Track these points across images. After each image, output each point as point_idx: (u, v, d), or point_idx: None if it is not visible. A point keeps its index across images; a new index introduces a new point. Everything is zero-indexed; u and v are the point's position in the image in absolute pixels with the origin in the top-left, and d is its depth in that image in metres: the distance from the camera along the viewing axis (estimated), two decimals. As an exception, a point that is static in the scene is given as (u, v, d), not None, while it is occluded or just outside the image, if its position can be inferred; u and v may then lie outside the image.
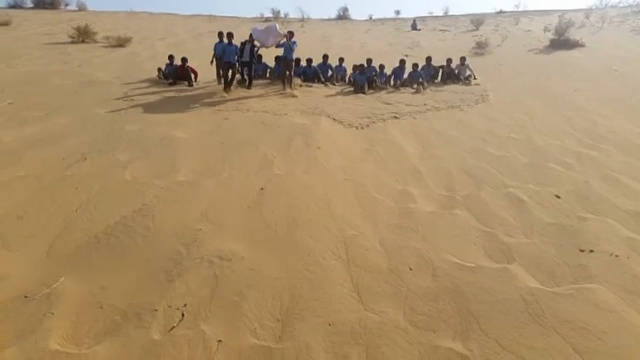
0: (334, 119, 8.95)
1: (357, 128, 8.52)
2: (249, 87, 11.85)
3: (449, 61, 13.78)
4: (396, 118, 9.37)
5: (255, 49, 11.71)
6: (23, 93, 10.10)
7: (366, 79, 12.36)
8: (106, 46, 17.85)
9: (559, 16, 24.19)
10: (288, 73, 11.70)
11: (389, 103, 10.71)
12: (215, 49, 12.17)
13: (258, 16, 33.39)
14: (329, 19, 34.54)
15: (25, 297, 3.33)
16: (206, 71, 13.04)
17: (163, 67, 12.90)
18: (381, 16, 36.32)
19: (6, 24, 21.60)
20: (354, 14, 47.36)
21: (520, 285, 3.59)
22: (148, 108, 9.45)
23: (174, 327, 3.03)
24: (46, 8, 30.60)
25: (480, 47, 19.22)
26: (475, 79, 13.56)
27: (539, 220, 4.87)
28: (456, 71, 13.66)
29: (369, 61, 13.28)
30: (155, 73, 13.13)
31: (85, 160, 6.26)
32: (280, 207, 4.98)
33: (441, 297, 3.47)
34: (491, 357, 2.84)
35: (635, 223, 4.82)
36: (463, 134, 8.26)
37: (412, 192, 5.59)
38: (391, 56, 17.55)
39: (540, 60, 17.19)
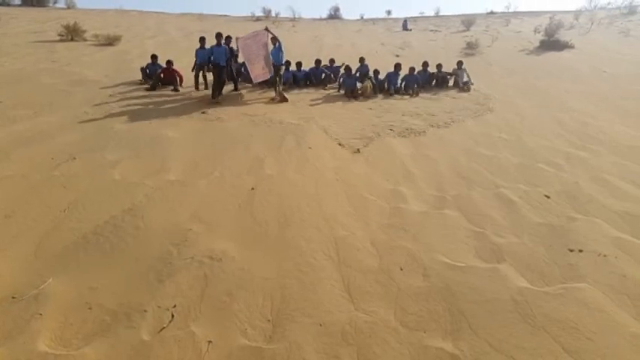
0: (326, 132, 8.13)
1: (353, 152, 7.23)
2: (235, 90, 11.38)
3: (439, 66, 13.13)
4: (393, 132, 8.31)
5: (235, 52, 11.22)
6: (11, 91, 9.96)
7: (356, 80, 11.82)
8: (95, 45, 17.68)
9: (549, 18, 24.37)
10: (277, 78, 10.84)
11: (380, 117, 9.45)
12: (197, 55, 11.19)
13: (249, 15, 33.35)
14: (320, 19, 34.57)
15: (13, 298, 3.29)
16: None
17: (145, 67, 11.95)
18: (372, 16, 36.47)
19: (-7, 21, 21.34)
20: (345, 14, 47.51)
21: (510, 285, 3.61)
22: (138, 107, 9.37)
23: (164, 328, 3.01)
24: (34, 6, 30.29)
25: (471, 48, 19.31)
26: (472, 84, 12.82)
27: (529, 220, 4.90)
28: (453, 76, 13.02)
29: (362, 59, 12.72)
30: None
31: (74, 160, 6.20)
32: (271, 207, 4.97)
33: (431, 297, 3.48)
34: (481, 357, 2.85)
35: (623, 223, 4.87)
36: (454, 135, 8.28)
37: (403, 192, 5.60)
38: (383, 56, 17.60)
39: (530, 61, 17.32)
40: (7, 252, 3.95)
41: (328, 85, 12.83)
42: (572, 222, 4.83)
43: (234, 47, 11.11)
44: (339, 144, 7.52)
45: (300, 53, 16.43)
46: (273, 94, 10.92)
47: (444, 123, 9.12)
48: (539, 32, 21.97)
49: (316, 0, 77.22)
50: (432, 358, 2.85)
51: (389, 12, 40.31)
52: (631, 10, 28.92)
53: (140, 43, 18.98)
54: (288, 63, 12.45)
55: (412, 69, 12.37)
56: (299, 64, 12.91)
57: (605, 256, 4.11)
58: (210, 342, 2.90)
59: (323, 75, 13.02)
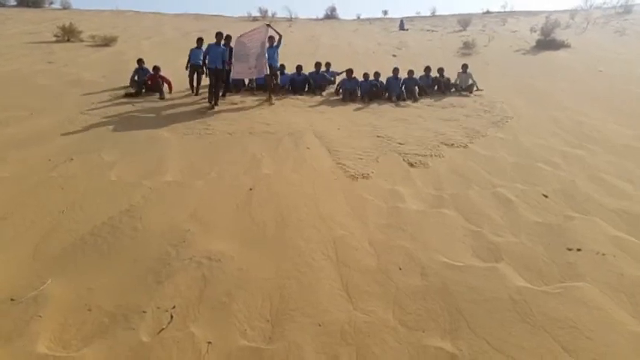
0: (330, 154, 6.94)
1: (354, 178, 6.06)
2: (223, 95, 10.62)
3: (441, 70, 12.45)
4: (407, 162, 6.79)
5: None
6: (7, 93, 9.94)
7: (356, 84, 11.34)
8: (91, 46, 17.64)
9: (546, 17, 24.43)
10: (274, 82, 10.47)
11: (382, 137, 7.98)
12: (190, 55, 10.69)
13: (246, 15, 33.31)
14: (317, 19, 34.55)
15: (12, 300, 3.27)
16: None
17: (132, 73, 11.21)
18: (369, 16, 36.49)
19: (-11, 22, 21.26)
20: (341, 14, 47.57)
21: (508, 284, 3.62)
22: (135, 108, 9.35)
23: (163, 329, 3.01)
24: (29, 7, 30.13)
25: (467, 47, 19.37)
26: (478, 89, 12.33)
27: (527, 219, 4.91)
28: (457, 80, 12.48)
29: (366, 76, 11.60)
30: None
31: (71, 161, 6.18)
32: (269, 207, 4.97)
33: (429, 296, 3.49)
34: (480, 356, 2.85)
35: (620, 221, 4.88)
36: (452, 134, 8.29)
37: (401, 191, 5.60)
38: (380, 56, 17.64)
39: (527, 60, 17.38)
40: (4, 254, 3.93)
41: (325, 93, 12.01)
42: (570, 221, 4.84)
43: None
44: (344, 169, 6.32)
45: (297, 53, 16.43)
46: (269, 101, 10.35)
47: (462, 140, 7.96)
48: (535, 32, 22.06)
49: (312, 0, 77.22)
50: (430, 358, 2.85)
51: (385, 12, 40.42)
52: (626, 10, 29.05)
53: (137, 43, 18.95)
54: (282, 67, 11.95)
55: (410, 72, 11.78)
56: (299, 68, 12.02)
57: (603, 254, 4.12)
58: (209, 343, 2.90)
59: (323, 79, 12.33)
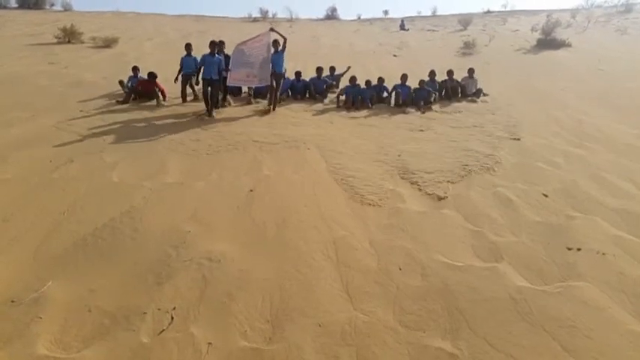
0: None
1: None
2: (223, 100, 10.13)
3: (450, 73, 11.58)
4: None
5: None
6: (8, 94, 9.96)
7: (358, 92, 10.62)
8: (92, 47, 17.65)
9: (546, 16, 24.41)
10: (275, 89, 9.76)
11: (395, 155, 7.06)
12: (182, 64, 10.06)
13: (246, 16, 33.33)
14: (317, 19, 34.57)
15: (13, 301, 3.28)
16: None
17: (126, 80, 10.93)
18: (370, 16, 36.47)
19: (-10, 24, 21.30)
20: (342, 14, 47.54)
21: (508, 284, 3.62)
22: (136, 110, 9.36)
23: (163, 330, 3.01)
24: (30, 8, 30.19)
25: (468, 47, 19.36)
26: (484, 94, 11.65)
27: (528, 218, 4.91)
28: (463, 84, 11.68)
29: (368, 83, 11.10)
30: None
31: (72, 162, 6.19)
32: (270, 208, 4.98)
33: (430, 296, 3.49)
34: (480, 356, 2.86)
35: (621, 221, 4.88)
36: (453, 133, 8.28)
37: (401, 192, 5.60)
38: (381, 56, 17.64)
39: (528, 59, 17.35)
40: (5, 255, 3.94)
41: (326, 100, 11.26)
42: (570, 220, 4.83)
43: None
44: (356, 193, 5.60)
45: (298, 54, 16.44)
46: (270, 109, 9.80)
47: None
48: (536, 31, 22.05)
49: (313, 0, 77.26)
50: (431, 358, 2.85)
51: (386, 12, 40.23)
52: (627, 8, 29.06)
53: (138, 45, 18.97)
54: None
55: (422, 82, 10.90)
56: (298, 74, 11.40)
57: (603, 254, 4.12)
58: (210, 344, 2.90)
59: (325, 86, 11.63)
